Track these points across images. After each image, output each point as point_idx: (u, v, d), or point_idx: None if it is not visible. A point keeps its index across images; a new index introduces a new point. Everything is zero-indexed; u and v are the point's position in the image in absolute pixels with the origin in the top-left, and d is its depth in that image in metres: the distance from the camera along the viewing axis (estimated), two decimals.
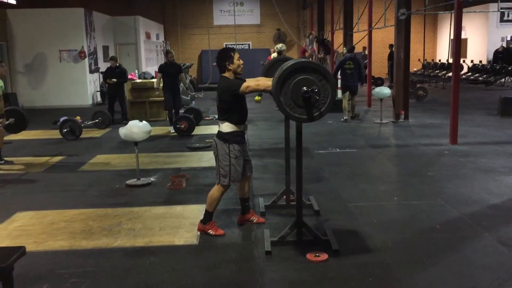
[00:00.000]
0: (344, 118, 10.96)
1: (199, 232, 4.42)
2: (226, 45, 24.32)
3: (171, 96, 9.78)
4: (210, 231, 4.38)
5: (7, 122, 7.57)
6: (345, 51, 14.42)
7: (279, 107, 3.81)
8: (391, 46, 18.80)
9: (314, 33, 21.30)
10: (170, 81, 9.77)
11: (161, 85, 9.92)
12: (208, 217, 4.42)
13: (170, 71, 9.77)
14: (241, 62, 4.27)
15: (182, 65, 16.69)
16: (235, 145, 4.24)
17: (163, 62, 10.48)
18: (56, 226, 4.71)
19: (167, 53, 10.17)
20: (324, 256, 3.84)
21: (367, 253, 3.98)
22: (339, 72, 11.16)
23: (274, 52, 14.24)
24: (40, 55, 15.04)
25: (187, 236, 4.40)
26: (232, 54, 4.23)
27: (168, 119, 10.27)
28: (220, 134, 4.29)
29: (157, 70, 10.68)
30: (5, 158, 7.52)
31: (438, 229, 4.45)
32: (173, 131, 9.77)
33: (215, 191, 4.39)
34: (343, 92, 10.98)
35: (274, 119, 11.47)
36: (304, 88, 3.69)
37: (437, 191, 5.58)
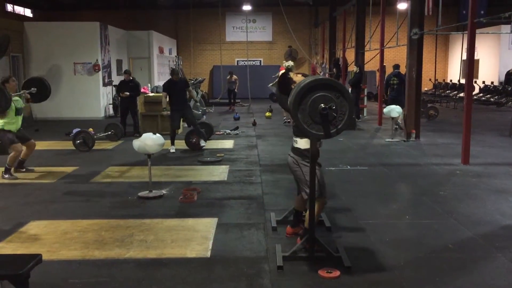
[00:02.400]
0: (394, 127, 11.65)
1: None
2: (237, 61, 24.55)
3: (179, 115, 9.45)
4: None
5: (28, 92, 7.65)
6: (356, 70, 14.62)
7: (297, 123, 3.86)
8: None
9: (325, 60, 21.56)
10: (177, 99, 9.28)
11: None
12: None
13: (176, 88, 9.25)
14: (300, 75, 4.51)
15: (194, 80, 16.83)
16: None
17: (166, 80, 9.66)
18: (69, 236, 4.76)
19: (172, 72, 9.55)
20: (336, 273, 3.84)
21: (379, 271, 3.96)
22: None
23: (283, 69, 14.46)
24: (55, 67, 15.26)
25: (199, 249, 4.41)
26: (289, 75, 4.50)
27: (170, 138, 9.37)
28: (299, 151, 4.28)
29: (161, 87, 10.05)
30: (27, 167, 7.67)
31: (450, 248, 4.43)
32: (174, 150, 9.33)
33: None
34: (389, 105, 11.56)
35: (285, 134, 11.50)
36: (322, 105, 3.73)
37: (449, 210, 5.56)
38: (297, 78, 4.51)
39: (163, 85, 9.65)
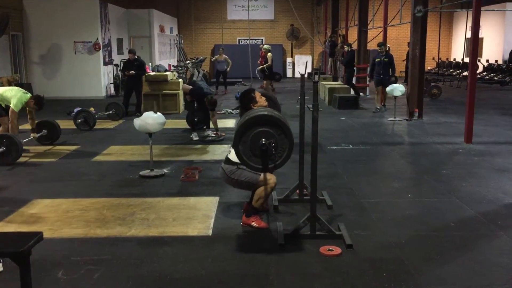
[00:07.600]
0: (377, 108, 11.96)
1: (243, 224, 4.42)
2: (239, 40, 24.35)
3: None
4: (254, 224, 4.37)
5: (38, 135, 7.83)
6: (347, 49, 14.55)
7: (236, 155, 3.99)
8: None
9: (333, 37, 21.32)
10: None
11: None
12: (252, 211, 4.40)
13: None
14: (264, 99, 4.51)
15: (196, 59, 16.67)
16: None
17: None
18: (71, 214, 4.76)
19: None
20: (337, 251, 3.84)
21: (381, 248, 3.96)
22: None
23: (263, 53, 14.59)
24: (55, 46, 15.13)
25: (201, 227, 4.41)
26: (253, 94, 4.50)
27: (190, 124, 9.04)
28: (231, 162, 4.26)
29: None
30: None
31: (452, 227, 4.43)
32: (196, 138, 8.57)
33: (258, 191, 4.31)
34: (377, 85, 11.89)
35: (286, 115, 11.44)
36: (263, 140, 3.86)
37: (451, 189, 5.54)
38: (260, 100, 4.54)
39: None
